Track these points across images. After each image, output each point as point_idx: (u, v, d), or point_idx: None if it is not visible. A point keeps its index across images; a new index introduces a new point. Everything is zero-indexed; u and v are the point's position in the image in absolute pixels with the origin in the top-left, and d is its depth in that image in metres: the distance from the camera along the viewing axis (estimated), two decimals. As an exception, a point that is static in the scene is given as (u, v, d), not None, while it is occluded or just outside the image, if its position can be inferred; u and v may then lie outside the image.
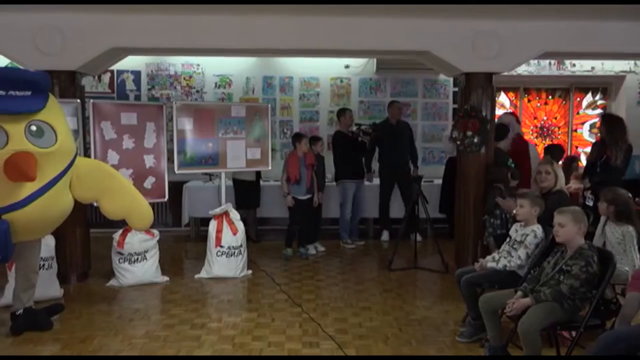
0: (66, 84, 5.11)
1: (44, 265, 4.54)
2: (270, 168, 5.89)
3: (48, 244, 4.62)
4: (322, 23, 5.15)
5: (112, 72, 7.31)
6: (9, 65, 6.31)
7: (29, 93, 3.59)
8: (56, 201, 3.70)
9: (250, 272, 5.41)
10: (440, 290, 4.96)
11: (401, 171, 6.72)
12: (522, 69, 7.42)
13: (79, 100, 5.06)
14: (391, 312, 4.34)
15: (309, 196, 6.06)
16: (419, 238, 6.14)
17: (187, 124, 5.44)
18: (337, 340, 3.76)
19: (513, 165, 5.32)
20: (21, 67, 4.95)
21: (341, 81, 7.73)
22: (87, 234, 5.30)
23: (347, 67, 7.68)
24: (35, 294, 4.18)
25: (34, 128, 3.55)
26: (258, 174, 6.71)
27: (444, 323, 4.10)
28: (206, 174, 6.70)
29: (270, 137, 5.86)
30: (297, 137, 6.12)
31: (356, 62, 7.67)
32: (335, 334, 3.86)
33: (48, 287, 4.56)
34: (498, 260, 3.71)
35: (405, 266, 5.64)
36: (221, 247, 5.21)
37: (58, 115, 3.80)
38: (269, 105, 5.94)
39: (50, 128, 3.64)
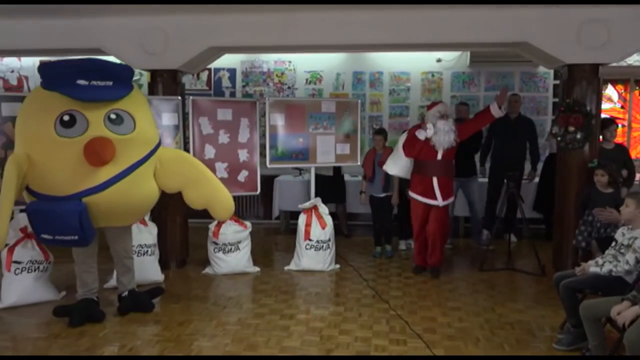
0: (168, 82, 5.43)
1: (147, 251, 4.88)
2: (359, 163, 5.90)
3: (151, 232, 4.96)
4: (413, 17, 5.07)
5: (209, 70, 7.67)
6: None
7: (110, 83, 3.82)
8: (136, 187, 3.85)
9: (338, 266, 5.46)
10: (535, 294, 4.71)
11: (514, 170, 6.06)
12: (633, 59, 6.84)
13: (179, 97, 5.35)
14: (482, 313, 4.20)
15: (386, 194, 5.88)
16: (513, 238, 5.86)
17: (279, 120, 5.59)
18: (424, 339, 3.69)
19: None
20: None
21: (432, 75, 7.56)
22: (185, 223, 5.61)
23: (438, 60, 7.49)
24: (140, 278, 4.51)
25: (113, 116, 3.76)
26: (337, 169, 6.70)
27: (539, 328, 3.89)
28: (296, 168, 6.84)
29: (359, 133, 5.87)
30: (375, 133, 6.03)
31: (448, 56, 7.47)
32: (422, 333, 3.79)
33: (151, 272, 4.89)
34: (602, 265, 3.45)
35: (498, 267, 5.42)
36: (310, 240, 5.30)
37: (140, 105, 4.02)
38: (359, 101, 5.95)
39: (129, 116, 3.84)
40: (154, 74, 5.45)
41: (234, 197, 5.53)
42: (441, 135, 4.89)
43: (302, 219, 5.40)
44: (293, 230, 5.73)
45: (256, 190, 5.62)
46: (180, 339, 3.73)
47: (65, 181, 3.63)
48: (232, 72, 7.75)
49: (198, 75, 7.69)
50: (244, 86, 7.76)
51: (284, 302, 4.45)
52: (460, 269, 5.49)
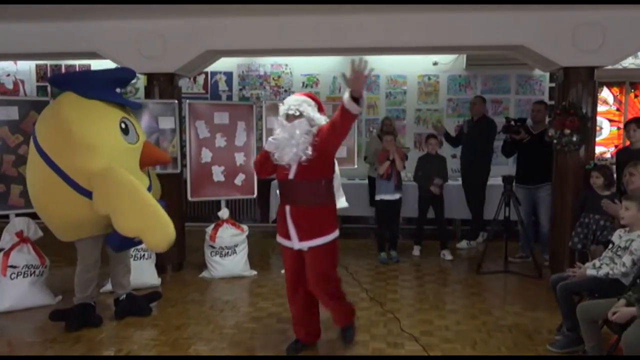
0: (165, 85, 5.42)
1: (144, 255, 4.87)
2: (356, 166, 5.90)
3: (148, 236, 4.94)
4: (410, 20, 5.09)
5: (206, 73, 7.67)
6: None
7: (122, 90, 4.06)
8: (155, 180, 4.14)
9: (335, 269, 5.45)
10: (532, 296, 4.72)
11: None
12: (628, 62, 6.87)
13: (176, 101, 5.35)
14: (479, 316, 4.20)
15: (397, 196, 5.86)
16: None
17: (275, 123, 5.56)
18: (421, 342, 3.69)
19: None
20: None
21: (429, 78, 7.58)
22: (182, 227, 5.60)
23: (435, 64, 7.52)
24: (136, 282, 4.50)
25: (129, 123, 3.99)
26: None
27: (536, 331, 3.90)
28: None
29: (356, 136, 5.87)
30: (385, 133, 6.02)
31: (445, 59, 7.49)
32: (420, 336, 3.79)
33: (147, 275, 4.88)
34: (599, 267, 3.46)
35: (495, 269, 5.43)
36: (307, 243, 5.29)
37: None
38: (356, 104, 5.94)
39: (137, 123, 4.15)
40: (151, 77, 5.45)
41: (231, 201, 5.55)
42: (283, 144, 3.20)
43: (299, 222, 5.39)
44: (290, 234, 5.72)
45: (253, 194, 5.61)
46: (177, 343, 3.72)
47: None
48: (228, 75, 7.75)
49: (195, 78, 7.69)
50: (240, 89, 7.76)
51: (281, 306, 4.43)
52: (457, 272, 5.49)
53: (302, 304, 3.51)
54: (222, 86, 7.77)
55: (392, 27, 5.12)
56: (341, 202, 3.84)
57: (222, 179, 5.38)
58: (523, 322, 4.07)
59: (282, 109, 3.28)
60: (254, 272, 5.35)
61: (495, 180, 6.26)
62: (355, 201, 6.81)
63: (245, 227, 5.38)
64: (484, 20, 5.01)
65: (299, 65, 7.63)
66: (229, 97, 7.72)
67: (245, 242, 5.35)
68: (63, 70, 7.74)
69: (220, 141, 5.41)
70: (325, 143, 3.17)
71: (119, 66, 4.06)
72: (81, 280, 4.07)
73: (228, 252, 5.22)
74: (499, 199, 5.43)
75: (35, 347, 3.68)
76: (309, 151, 3.15)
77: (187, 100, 5.42)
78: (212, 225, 5.26)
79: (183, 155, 5.47)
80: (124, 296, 4.23)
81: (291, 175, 3.25)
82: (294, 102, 3.28)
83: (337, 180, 3.75)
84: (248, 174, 5.52)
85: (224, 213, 5.30)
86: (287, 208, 3.31)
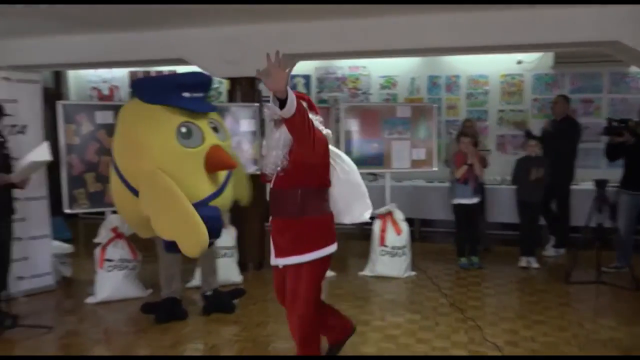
0: (246, 89, 5.60)
1: (226, 253, 5.04)
2: (436, 169, 5.79)
3: (230, 234, 5.11)
4: (493, 18, 4.91)
5: (285, 77, 7.81)
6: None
7: (202, 94, 4.09)
8: (232, 185, 4.19)
9: (414, 273, 5.37)
10: (629, 310, 4.39)
11: None
12: None
13: (257, 104, 5.50)
14: (569, 328, 3.97)
15: (476, 200, 5.69)
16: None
17: (353, 125, 5.60)
18: (505, 352, 3.55)
19: None
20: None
21: (512, 78, 7.28)
22: (262, 227, 5.74)
23: (519, 62, 7.21)
24: (220, 279, 4.66)
25: (212, 125, 4.08)
26: None
27: (635, 347, 3.63)
28: (371, 173, 6.82)
29: (435, 138, 5.76)
30: (462, 135, 5.85)
31: (530, 57, 7.17)
32: (504, 346, 3.65)
33: (230, 273, 5.05)
34: None
35: (586, 279, 5.11)
36: (385, 246, 5.26)
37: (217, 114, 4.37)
38: (435, 106, 5.85)
39: (221, 125, 4.23)
40: (233, 81, 5.64)
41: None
42: (267, 151, 2.99)
43: (377, 225, 5.37)
44: (367, 236, 5.71)
45: (331, 196, 5.64)
46: (258, 339, 3.82)
47: (194, 188, 3.84)
48: (306, 78, 7.87)
49: (274, 82, 7.85)
50: (318, 92, 7.85)
51: (358, 308, 4.43)
52: (545, 281, 5.22)
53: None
54: (301, 89, 7.88)
55: (472, 26, 4.97)
56: (360, 216, 3.22)
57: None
58: (619, 337, 3.80)
59: (267, 113, 2.95)
60: (333, 274, 5.38)
61: (586, 185, 5.91)
62: (433, 204, 6.72)
63: (323, 228, 5.42)
64: (574, 15, 4.75)
65: (377, 67, 7.59)
66: (308, 100, 7.81)
67: (323, 243, 5.39)
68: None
69: (299, 143, 5.49)
70: (298, 150, 2.81)
71: (194, 71, 4.15)
72: (164, 276, 4.29)
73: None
74: (590, 205, 5.11)
75: (129, 336, 3.91)
76: (285, 160, 2.83)
77: (268, 104, 5.54)
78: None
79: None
80: (211, 292, 4.38)
81: (272, 184, 2.98)
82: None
83: (356, 191, 3.16)
84: (326, 176, 5.56)
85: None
86: (270, 220, 3.05)
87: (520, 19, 4.85)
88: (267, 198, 3.04)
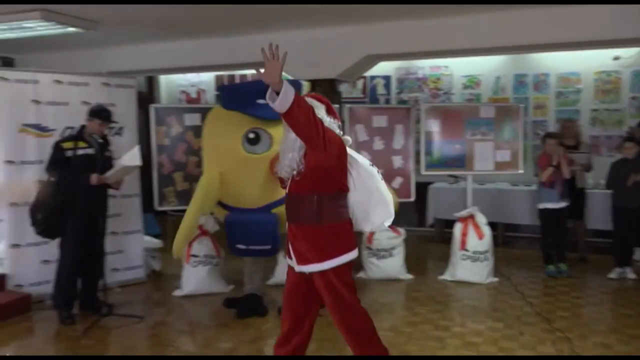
0: (327, 90, 5.65)
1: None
2: (522, 171, 5.54)
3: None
4: (586, 12, 4.63)
5: (365, 77, 7.82)
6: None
7: None
8: None
9: (496, 279, 5.18)
10: None
11: None
12: None
13: (337, 106, 5.53)
14: (671, 345, 3.66)
15: (562, 205, 5.36)
16: None
17: (434, 126, 5.50)
18: (598, 367, 3.33)
19: None
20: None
21: (608, 75, 6.82)
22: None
23: (616, 58, 6.72)
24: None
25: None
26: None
27: None
28: (452, 175, 6.66)
29: (521, 139, 5.52)
30: (548, 136, 5.53)
31: (628, 52, 6.67)
32: (596, 360, 3.42)
33: (308, 273, 5.11)
34: None
35: (691, 293, 4.69)
36: (466, 250, 5.11)
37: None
38: (521, 105, 5.60)
39: (268, 135, 4.06)
40: (314, 83, 5.72)
41: (388, 204, 5.57)
42: (282, 153, 2.88)
43: (458, 228, 5.23)
44: (448, 239, 5.58)
45: (410, 197, 5.58)
46: (335, 339, 3.83)
47: (256, 194, 3.98)
48: (387, 79, 7.81)
49: (354, 83, 7.88)
50: (398, 93, 7.77)
51: (438, 313, 4.34)
52: (642, 292, 4.85)
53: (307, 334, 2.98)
54: (381, 90, 7.85)
55: (563, 21, 4.72)
56: (381, 224, 3.04)
57: (380, 181, 5.43)
58: None
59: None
60: (411, 276, 5.31)
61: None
62: (518, 208, 6.44)
63: (402, 230, 5.37)
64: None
65: (460, 67, 7.39)
66: (387, 101, 7.78)
67: (402, 245, 5.33)
68: (237, 79, 8.48)
69: (378, 144, 5.48)
70: (311, 152, 2.71)
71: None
72: (247, 273, 4.43)
73: (384, 255, 5.25)
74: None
75: (212, 329, 4.08)
76: (300, 163, 2.74)
77: (347, 105, 5.58)
78: (370, 227, 5.33)
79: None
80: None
81: (287, 189, 2.90)
82: None
83: (375, 197, 2.97)
84: (405, 177, 5.51)
85: (381, 215, 5.33)
86: (287, 225, 2.95)
87: (618, 12, 4.54)
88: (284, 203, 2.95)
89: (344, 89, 7.23)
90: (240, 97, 4.13)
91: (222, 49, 6.00)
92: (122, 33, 5.69)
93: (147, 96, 8.30)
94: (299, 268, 2.86)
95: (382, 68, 7.42)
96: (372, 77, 7.83)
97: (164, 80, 8.90)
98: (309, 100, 2.87)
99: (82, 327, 4.08)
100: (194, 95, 8.77)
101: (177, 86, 8.87)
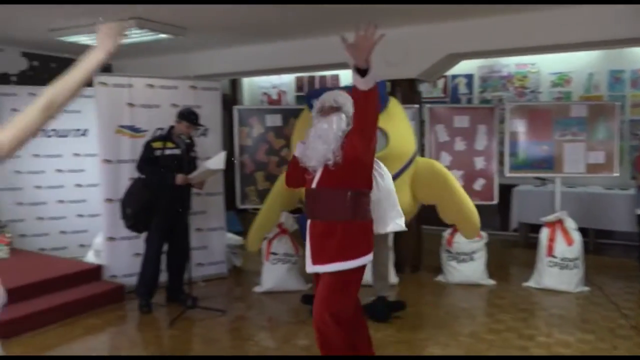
0: (407, 91, 5.58)
1: (383, 254, 5.08)
2: (617, 174, 5.18)
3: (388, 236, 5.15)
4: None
5: (446, 77, 7.64)
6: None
7: None
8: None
9: (587, 288, 4.87)
10: None
11: None
12: None
13: (417, 106, 5.45)
14: None
15: None
16: None
17: (520, 126, 5.28)
18: None
19: None
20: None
21: None
22: (419, 230, 5.68)
23: None
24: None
25: None
26: None
27: None
28: (538, 178, 6.35)
29: (617, 140, 5.16)
30: None
31: None
32: (702, 381, 3.13)
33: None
34: None
35: None
36: (553, 257, 4.84)
37: (395, 120, 4.07)
38: (617, 104, 5.23)
39: (383, 134, 3.95)
40: (394, 83, 5.66)
41: (469, 206, 5.40)
42: (312, 142, 2.78)
43: (544, 233, 4.97)
44: (533, 245, 5.32)
45: (493, 200, 5.38)
46: (413, 342, 3.79)
47: None
48: (469, 78, 7.59)
49: (434, 83, 7.73)
50: (481, 92, 7.52)
51: (522, 321, 4.15)
52: None
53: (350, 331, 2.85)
54: (463, 89, 7.63)
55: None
56: (394, 225, 3.03)
57: (460, 183, 5.27)
58: None
59: (317, 104, 2.83)
60: (492, 282, 5.12)
61: None
62: (613, 214, 6.03)
63: (484, 234, 5.18)
64: None
65: (548, 64, 7.03)
66: (469, 100, 7.55)
67: (484, 249, 5.16)
68: (316, 80, 8.58)
69: (459, 145, 5.34)
70: (353, 145, 2.65)
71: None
72: None
73: (465, 258, 5.10)
74: None
75: (290, 325, 4.16)
76: (338, 154, 2.64)
77: (427, 105, 5.48)
78: (449, 230, 5.21)
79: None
80: (374, 298, 4.29)
81: (314, 184, 2.77)
82: (331, 94, 2.84)
83: (392, 198, 2.98)
84: (488, 179, 5.33)
85: (461, 218, 5.19)
86: (308, 223, 2.84)
87: None
88: (306, 203, 2.86)
89: (424, 88, 7.11)
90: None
91: (302, 51, 6.09)
92: (208, 38, 5.94)
93: (230, 98, 8.61)
94: (314, 268, 2.76)
95: (464, 67, 7.21)
96: (454, 76, 7.63)
97: (247, 82, 9.18)
98: (344, 94, 2.84)
99: (169, 318, 4.30)
100: (275, 97, 8.97)
101: (259, 88, 9.12)
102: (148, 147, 4.41)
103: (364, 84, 2.45)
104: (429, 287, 5.09)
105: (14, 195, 5.91)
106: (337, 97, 2.80)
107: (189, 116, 4.42)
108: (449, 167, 5.28)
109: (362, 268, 2.74)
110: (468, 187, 5.28)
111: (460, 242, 5.10)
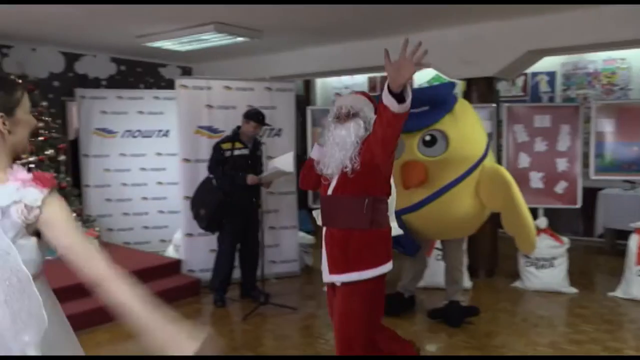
0: (484, 89, 5.41)
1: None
2: None
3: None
4: None
5: (525, 75, 7.32)
6: (435, 77, 7.15)
7: (426, 108, 3.84)
8: (451, 206, 3.79)
9: (682, 301, 4.51)
10: None
11: None
12: None
13: (494, 105, 5.27)
14: None
15: None
16: None
17: (607, 126, 4.98)
18: None
19: None
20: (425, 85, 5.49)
21: None
22: (495, 233, 5.48)
23: None
24: (438, 281, 4.58)
25: (427, 138, 3.83)
26: None
27: None
28: (628, 181, 5.93)
29: None
30: None
31: None
32: None
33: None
34: None
35: None
36: (644, 266, 4.52)
37: (461, 123, 3.88)
38: None
39: (444, 137, 3.81)
40: (469, 82, 5.51)
41: (550, 210, 5.16)
42: (330, 149, 2.69)
43: (633, 240, 4.64)
44: (620, 252, 4.99)
45: (576, 203, 5.09)
46: (487, 349, 3.66)
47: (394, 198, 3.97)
48: (551, 75, 7.22)
49: (513, 81, 7.43)
50: (564, 90, 7.13)
51: (607, 333, 3.90)
52: None
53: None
54: (544, 87, 7.28)
55: None
56: (396, 230, 2.98)
57: (540, 185, 5.06)
58: None
59: (333, 109, 2.74)
60: (575, 290, 4.85)
61: None
62: None
63: (565, 239, 4.93)
64: None
65: (639, 59, 6.56)
66: (551, 99, 7.18)
67: (565, 255, 4.89)
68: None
69: (540, 146, 5.10)
70: (371, 153, 2.54)
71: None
72: (407, 267, 4.40)
73: (544, 264, 4.86)
74: None
75: (360, 327, 4.14)
76: (356, 161, 2.55)
77: (505, 104, 5.28)
78: (527, 234, 4.98)
79: (499, 160, 5.36)
80: (446, 302, 4.21)
81: (330, 190, 2.68)
82: (347, 99, 2.75)
83: (392, 199, 2.92)
84: (571, 181, 5.05)
85: (541, 222, 4.96)
86: (324, 231, 2.74)
87: None
88: (321, 210, 2.78)
89: (502, 87, 6.86)
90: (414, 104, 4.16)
91: (375, 51, 6.01)
92: (283, 40, 6.05)
93: (304, 99, 8.73)
94: (330, 278, 2.68)
95: (546, 63, 6.86)
96: (534, 74, 7.29)
97: (320, 83, 9.27)
98: (361, 98, 2.77)
99: (243, 313, 4.43)
100: (347, 98, 8.99)
101: (331, 88, 9.17)
102: (218, 148, 4.52)
103: (398, 109, 2.33)
104: (504, 293, 4.91)
105: (102, 192, 6.33)
106: (354, 102, 2.72)
107: (256, 116, 4.51)
108: (528, 169, 5.07)
109: (381, 277, 2.64)
110: (549, 190, 5.05)
111: (540, 247, 4.85)
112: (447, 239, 4.24)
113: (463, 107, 4.01)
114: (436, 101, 3.90)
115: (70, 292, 4.22)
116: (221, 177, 4.46)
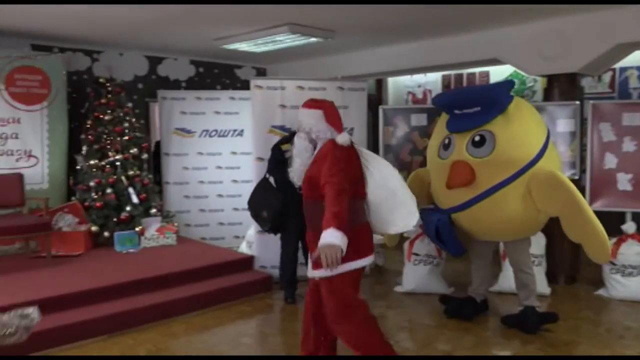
0: (566, 86, 5.14)
1: (534, 261, 4.73)
2: None
3: (539, 242, 4.81)
4: None
5: (613, 70, 6.87)
6: (513, 73, 6.87)
7: (478, 109, 3.78)
8: (497, 208, 3.71)
9: None
10: None
11: None
12: None
13: (578, 102, 5.00)
14: None
15: None
16: None
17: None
18: None
19: None
20: (476, 85, 5.29)
21: None
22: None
23: None
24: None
25: (477, 138, 3.76)
26: None
27: None
28: None
29: None
30: None
31: None
32: None
33: (538, 282, 4.71)
34: None
35: None
36: None
37: (513, 123, 3.73)
38: None
39: (492, 138, 3.71)
40: (551, 79, 5.25)
41: (638, 214, 4.81)
42: (296, 157, 3.02)
43: None
44: None
45: (670, 208, 4.72)
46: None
47: (442, 197, 4.01)
48: (642, 70, 6.74)
49: (599, 76, 7.00)
50: (657, 85, 6.63)
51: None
52: None
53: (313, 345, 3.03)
54: (634, 83, 6.79)
55: None
56: (404, 225, 2.99)
57: (628, 188, 4.73)
58: None
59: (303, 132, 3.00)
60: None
61: None
62: None
63: (657, 246, 4.59)
64: None
65: None
66: (642, 95, 6.70)
67: (656, 263, 4.56)
68: (464, 78, 8.28)
69: (628, 145, 4.77)
70: (318, 172, 2.80)
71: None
72: (471, 271, 4.36)
73: (632, 272, 4.55)
74: None
75: (430, 329, 4.07)
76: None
77: (591, 101, 4.99)
78: (614, 240, 4.68)
79: (582, 160, 5.07)
80: (521, 308, 4.06)
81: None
82: (303, 114, 3.03)
83: (397, 197, 2.93)
84: (664, 184, 4.68)
85: (629, 227, 4.65)
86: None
87: None
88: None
89: (586, 83, 6.49)
90: (443, 106, 4.15)
91: (448, 49, 5.92)
92: (355, 40, 6.05)
93: (376, 98, 8.68)
94: (312, 273, 2.90)
95: (637, 58, 6.42)
96: (623, 69, 6.83)
97: (392, 82, 9.18)
98: (307, 111, 2.98)
99: (313, 310, 4.47)
100: (420, 96, 8.84)
101: (404, 87, 9.06)
102: (277, 149, 4.57)
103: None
104: (586, 301, 4.64)
105: (181, 189, 6.63)
106: (299, 116, 3.01)
107: None
108: (615, 170, 4.77)
109: (353, 273, 2.83)
110: (638, 193, 4.71)
111: (627, 254, 4.57)
112: (499, 240, 4.29)
113: (518, 108, 3.84)
114: (489, 101, 3.81)
115: (149, 284, 4.51)
116: (282, 177, 4.36)
